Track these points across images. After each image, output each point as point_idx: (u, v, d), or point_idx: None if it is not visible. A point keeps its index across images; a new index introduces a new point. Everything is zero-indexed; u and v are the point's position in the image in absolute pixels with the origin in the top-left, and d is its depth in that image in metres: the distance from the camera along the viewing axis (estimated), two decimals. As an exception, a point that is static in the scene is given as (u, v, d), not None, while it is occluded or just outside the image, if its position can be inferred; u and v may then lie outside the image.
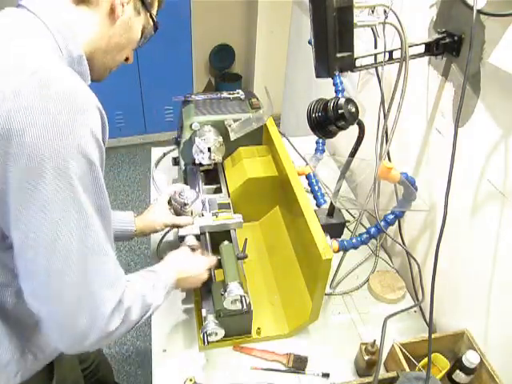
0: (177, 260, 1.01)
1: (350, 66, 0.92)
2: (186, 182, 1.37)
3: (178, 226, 1.13)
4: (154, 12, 0.83)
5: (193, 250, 1.08)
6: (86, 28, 0.73)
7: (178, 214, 1.15)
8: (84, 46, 0.73)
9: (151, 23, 0.84)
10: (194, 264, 1.02)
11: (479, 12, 0.85)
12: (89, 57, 0.74)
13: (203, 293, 1.09)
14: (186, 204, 1.13)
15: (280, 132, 1.37)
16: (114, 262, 0.73)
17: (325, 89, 1.54)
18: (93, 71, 0.77)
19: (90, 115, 0.66)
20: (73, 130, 0.61)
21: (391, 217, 1.11)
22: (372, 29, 1.18)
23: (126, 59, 0.86)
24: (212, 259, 1.06)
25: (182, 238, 1.12)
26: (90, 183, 0.65)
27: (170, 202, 1.17)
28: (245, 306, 0.98)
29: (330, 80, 1.15)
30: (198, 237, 1.13)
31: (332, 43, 0.87)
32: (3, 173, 0.60)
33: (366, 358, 1.01)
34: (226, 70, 3.73)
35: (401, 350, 1.00)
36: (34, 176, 0.60)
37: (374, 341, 1.02)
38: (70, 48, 0.70)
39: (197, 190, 1.22)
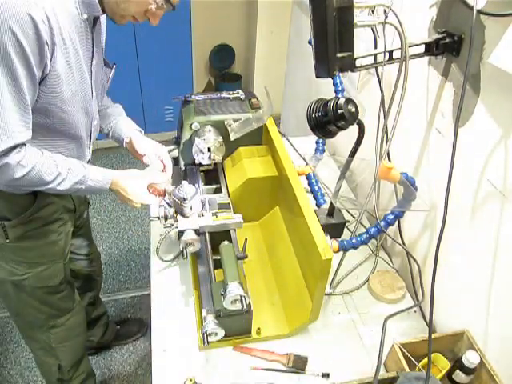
0: (124, 176, 1.12)
1: (350, 66, 0.92)
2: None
3: (176, 218, 1.18)
4: None
5: (190, 244, 1.14)
6: None
7: (177, 209, 1.17)
8: None
9: None
10: (134, 187, 1.12)
11: (479, 12, 0.85)
12: None
13: (203, 293, 1.09)
14: (185, 199, 1.14)
15: (280, 132, 1.37)
16: (14, 119, 0.88)
17: (325, 89, 1.54)
18: (105, 8, 0.96)
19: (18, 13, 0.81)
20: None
21: (391, 217, 1.11)
22: (372, 29, 1.18)
23: (149, 19, 0.99)
24: (149, 198, 1.14)
25: (181, 233, 1.13)
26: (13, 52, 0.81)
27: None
28: (245, 306, 0.98)
29: (329, 80, 1.15)
30: (196, 231, 1.14)
31: (332, 43, 0.87)
32: None
33: None
34: (226, 70, 3.73)
35: (401, 349, 1.00)
36: None
37: None
38: None
39: (196, 185, 1.23)
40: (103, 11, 0.96)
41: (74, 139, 1.10)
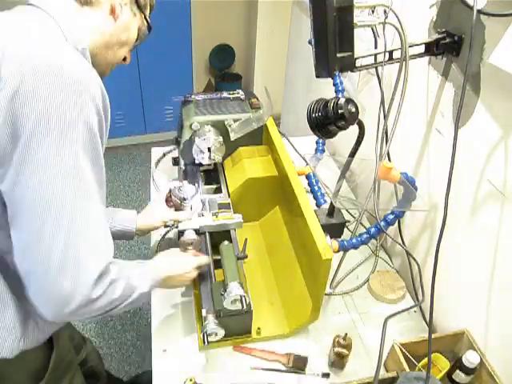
0: (165, 259, 1.03)
1: (350, 66, 0.92)
2: (185, 182, 1.37)
3: (177, 221, 1.14)
4: (147, 14, 0.95)
5: (190, 244, 1.10)
6: (90, 26, 0.82)
7: (177, 208, 1.17)
8: (88, 41, 0.81)
9: (145, 24, 0.94)
10: (181, 262, 1.04)
11: (479, 12, 0.85)
12: (92, 52, 0.82)
13: (203, 293, 1.09)
14: (185, 199, 1.15)
15: (280, 132, 1.37)
16: (106, 233, 0.76)
17: (325, 89, 1.54)
18: (96, 66, 0.84)
19: (93, 90, 0.70)
20: (78, 100, 0.67)
21: (391, 217, 1.11)
22: (372, 29, 1.17)
23: (125, 59, 0.95)
24: (201, 258, 1.07)
25: (181, 233, 1.13)
26: (90, 150, 0.70)
27: (168, 200, 1.18)
28: (245, 306, 0.98)
29: (329, 80, 1.15)
30: (196, 231, 1.14)
31: (332, 43, 0.87)
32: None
33: (335, 349, 1.02)
34: (226, 70, 3.73)
35: (401, 350, 1.00)
36: (40, 136, 0.65)
37: (346, 334, 1.03)
38: (76, 42, 0.77)
39: (196, 185, 1.23)
40: None
41: None
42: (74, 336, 1.31)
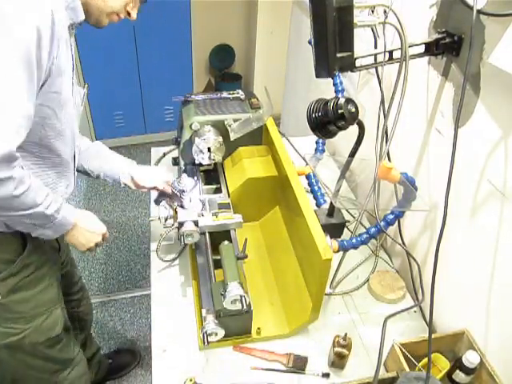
0: (83, 212, 1.08)
1: (350, 66, 0.92)
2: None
3: (177, 221, 1.17)
4: None
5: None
6: None
7: (176, 201, 1.19)
8: None
9: None
10: (95, 222, 1.10)
11: (479, 12, 0.85)
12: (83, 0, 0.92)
13: (203, 293, 1.09)
14: (184, 191, 1.16)
15: (280, 132, 1.37)
16: (13, 121, 0.80)
17: (325, 89, 1.54)
18: (90, 14, 0.96)
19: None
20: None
21: (391, 217, 1.11)
22: (372, 29, 1.17)
23: (129, 14, 1.02)
24: (104, 230, 1.13)
25: (181, 224, 1.14)
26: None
27: (163, 194, 1.24)
28: (245, 306, 0.98)
29: (329, 80, 1.15)
30: (195, 222, 1.15)
31: (332, 43, 0.87)
32: None
33: (335, 349, 1.02)
34: (226, 70, 3.73)
35: (401, 350, 1.00)
36: None
37: (346, 334, 1.03)
38: None
39: (195, 178, 1.24)
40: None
41: (60, 164, 1.04)
42: (70, 275, 1.44)
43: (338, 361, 1.04)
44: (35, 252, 1.07)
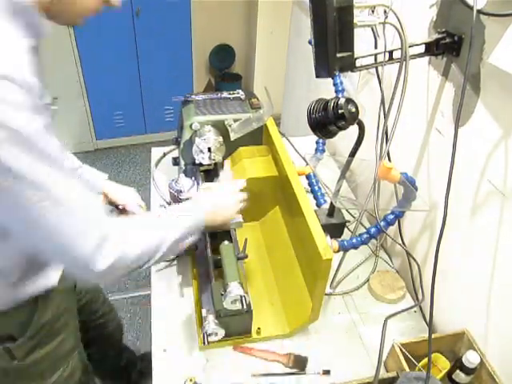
0: (208, 195, 1.02)
1: (350, 66, 0.92)
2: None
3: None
4: None
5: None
6: None
7: (174, 201, 1.19)
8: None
9: None
10: (224, 196, 1.03)
11: (479, 12, 0.85)
12: (44, 6, 0.69)
13: (203, 293, 1.09)
14: (181, 191, 1.16)
15: (280, 132, 1.37)
16: (84, 207, 0.74)
17: (325, 89, 1.54)
18: (59, 18, 0.74)
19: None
20: None
21: (391, 217, 1.11)
22: (372, 29, 1.18)
23: (107, 2, 0.77)
24: (236, 183, 1.08)
25: None
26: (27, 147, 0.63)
27: None
28: (245, 306, 0.98)
29: (329, 80, 1.14)
30: None
31: (332, 43, 0.87)
32: None
33: None
34: (226, 70, 3.73)
35: (401, 350, 1.00)
36: None
37: None
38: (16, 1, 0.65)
39: (192, 178, 1.24)
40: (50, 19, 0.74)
41: None
42: (92, 303, 1.37)
43: None
44: (49, 308, 1.00)
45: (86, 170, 1.23)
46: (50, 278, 0.98)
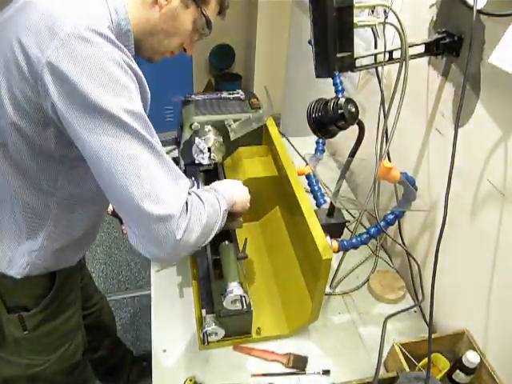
0: (226, 184, 1.03)
1: (350, 66, 0.92)
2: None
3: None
4: (210, 10, 0.90)
5: None
6: (135, 11, 0.83)
7: None
8: (132, 25, 0.83)
9: (203, 19, 0.90)
10: (240, 187, 1.04)
11: (479, 12, 0.85)
12: (136, 36, 0.86)
13: (203, 293, 1.09)
14: None
15: (280, 132, 1.37)
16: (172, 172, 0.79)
17: (325, 89, 1.54)
18: (142, 50, 0.90)
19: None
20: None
21: (391, 217, 1.11)
22: (372, 29, 1.18)
23: (185, 50, 0.98)
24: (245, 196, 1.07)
25: None
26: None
27: None
28: (245, 306, 0.98)
29: (329, 80, 1.15)
30: None
31: (332, 43, 0.87)
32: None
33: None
34: (226, 70, 3.73)
35: (401, 349, 1.00)
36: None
37: None
38: (121, 24, 0.81)
39: (192, 178, 1.24)
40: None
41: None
42: (88, 287, 1.42)
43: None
44: (65, 284, 1.05)
45: None
46: (77, 255, 1.05)
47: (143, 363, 1.81)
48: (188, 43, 0.96)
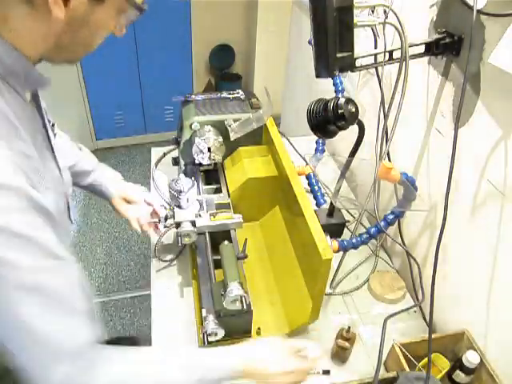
0: (250, 347, 0.83)
1: (350, 66, 0.92)
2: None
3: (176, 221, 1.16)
4: None
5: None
6: (25, 32, 0.63)
7: (174, 201, 1.19)
8: (27, 50, 0.64)
9: (129, 6, 0.70)
10: (273, 355, 0.80)
11: (479, 12, 0.85)
12: (43, 56, 0.68)
13: (203, 293, 1.09)
14: (181, 191, 1.16)
15: (280, 132, 1.37)
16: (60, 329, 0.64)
17: (325, 89, 1.54)
18: (56, 61, 0.71)
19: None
20: None
21: (391, 217, 1.11)
22: (372, 29, 1.18)
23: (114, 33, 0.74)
24: (310, 364, 0.84)
25: (178, 225, 1.14)
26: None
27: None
28: (245, 306, 0.98)
29: (329, 80, 1.15)
30: (193, 223, 1.15)
31: (332, 43, 0.87)
32: None
33: (338, 341, 1.03)
34: (226, 70, 3.73)
35: (401, 349, 1.00)
36: None
37: (349, 327, 1.04)
38: (5, 61, 0.62)
39: (192, 178, 1.24)
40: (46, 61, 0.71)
41: None
42: None
43: (340, 353, 1.05)
44: None
45: (99, 175, 1.19)
46: None
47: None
48: (118, 29, 0.74)
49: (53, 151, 0.79)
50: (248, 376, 0.77)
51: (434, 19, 1.05)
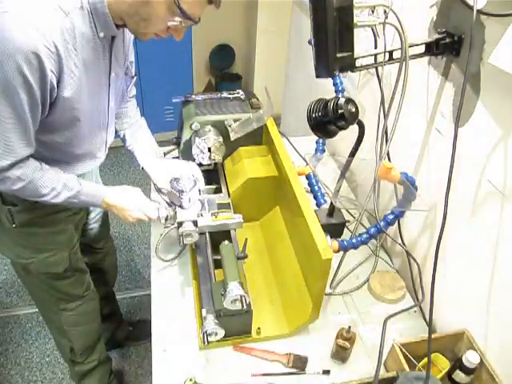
0: (120, 192, 1.15)
1: (350, 66, 0.92)
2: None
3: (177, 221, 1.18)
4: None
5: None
6: None
7: (175, 201, 1.20)
8: (111, 4, 0.90)
9: (177, 9, 0.89)
10: (129, 202, 1.14)
11: (479, 12, 0.85)
12: (117, 15, 0.92)
13: (203, 293, 1.09)
14: (183, 191, 1.16)
15: (280, 132, 1.37)
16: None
17: (325, 89, 1.54)
18: (128, 28, 0.97)
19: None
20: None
21: (391, 217, 1.11)
22: (372, 29, 1.18)
23: (172, 35, 1.03)
24: (151, 214, 1.15)
25: (180, 224, 1.14)
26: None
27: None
28: (245, 306, 0.98)
29: (330, 80, 1.15)
30: (195, 222, 1.15)
31: (332, 43, 0.87)
32: None
33: (338, 341, 1.03)
34: (226, 70, 3.73)
35: (401, 349, 1.00)
36: None
37: (350, 327, 1.04)
38: (97, 6, 0.90)
39: (194, 177, 1.24)
40: (123, 26, 0.97)
41: (83, 152, 1.14)
42: (97, 231, 1.54)
43: (340, 353, 1.05)
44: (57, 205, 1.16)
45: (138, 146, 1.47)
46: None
47: (129, 328, 1.98)
48: (173, 29, 0.98)
49: (109, 86, 1.07)
50: (104, 203, 1.13)
51: (434, 19, 1.05)
